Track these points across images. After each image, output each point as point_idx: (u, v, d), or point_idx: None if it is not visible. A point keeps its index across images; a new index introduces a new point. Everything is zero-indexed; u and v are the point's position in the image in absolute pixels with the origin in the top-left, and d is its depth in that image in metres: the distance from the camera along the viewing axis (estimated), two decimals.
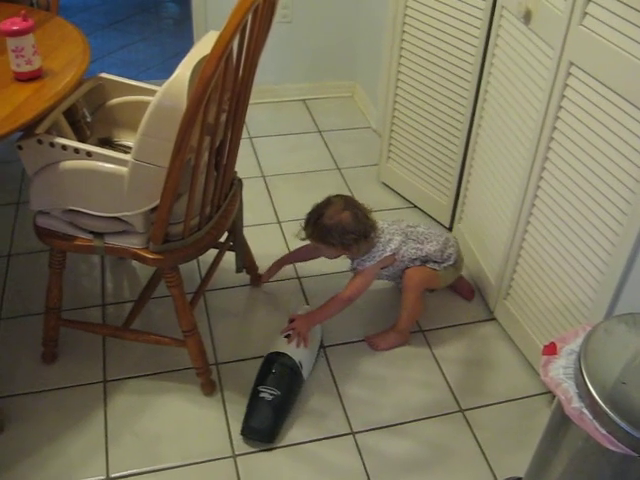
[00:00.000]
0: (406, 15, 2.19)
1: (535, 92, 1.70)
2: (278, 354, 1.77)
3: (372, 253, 1.83)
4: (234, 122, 1.55)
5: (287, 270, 2.18)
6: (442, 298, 2.09)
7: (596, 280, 1.55)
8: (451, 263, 1.93)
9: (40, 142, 1.47)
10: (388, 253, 1.83)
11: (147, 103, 1.39)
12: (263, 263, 2.14)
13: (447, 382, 1.86)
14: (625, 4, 1.34)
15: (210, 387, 1.79)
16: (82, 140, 1.69)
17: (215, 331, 1.98)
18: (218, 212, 1.69)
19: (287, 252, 2.21)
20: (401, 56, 2.28)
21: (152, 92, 1.69)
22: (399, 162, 2.49)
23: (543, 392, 1.83)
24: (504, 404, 1.81)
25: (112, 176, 1.46)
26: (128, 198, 1.48)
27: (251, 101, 1.62)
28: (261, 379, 1.74)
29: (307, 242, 1.88)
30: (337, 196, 1.84)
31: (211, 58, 1.27)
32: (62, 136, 1.53)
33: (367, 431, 1.72)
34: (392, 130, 2.46)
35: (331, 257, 1.90)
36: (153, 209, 1.50)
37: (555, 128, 1.63)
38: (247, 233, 2.02)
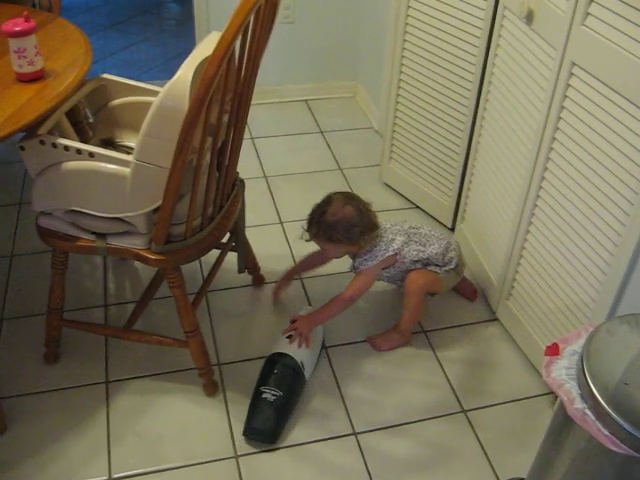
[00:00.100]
0: (408, 16, 2.19)
1: (537, 92, 1.69)
2: (280, 355, 1.77)
3: (374, 252, 1.83)
4: (236, 123, 1.55)
5: None
6: (444, 298, 2.09)
7: (598, 281, 1.55)
8: (452, 267, 1.92)
9: (42, 143, 1.47)
10: (390, 253, 1.83)
11: (149, 104, 1.39)
12: (265, 264, 2.15)
13: (449, 382, 1.86)
14: (627, 4, 1.34)
15: (212, 388, 1.79)
16: (84, 141, 1.69)
17: (217, 332, 1.98)
18: (220, 213, 1.69)
19: (290, 255, 2.22)
20: (403, 57, 2.28)
21: (154, 93, 1.69)
22: (401, 162, 2.49)
23: (545, 393, 1.83)
24: (506, 405, 1.81)
25: (114, 177, 1.46)
26: (130, 199, 1.48)
27: (253, 102, 1.62)
28: (263, 380, 1.74)
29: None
30: (337, 193, 1.84)
31: (213, 59, 1.27)
32: (64, 137, 1.53)
33: (369, 431, 1.72)
34: (394, 130, 2.46)
35: (337, 257, 1.90)
36: (155, 210, 1.51)
37: (557, 129, 1.63)
38: (249, 234, 2.02)
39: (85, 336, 1.88)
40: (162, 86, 1.39)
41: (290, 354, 1.77)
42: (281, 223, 2.41)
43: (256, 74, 1.54)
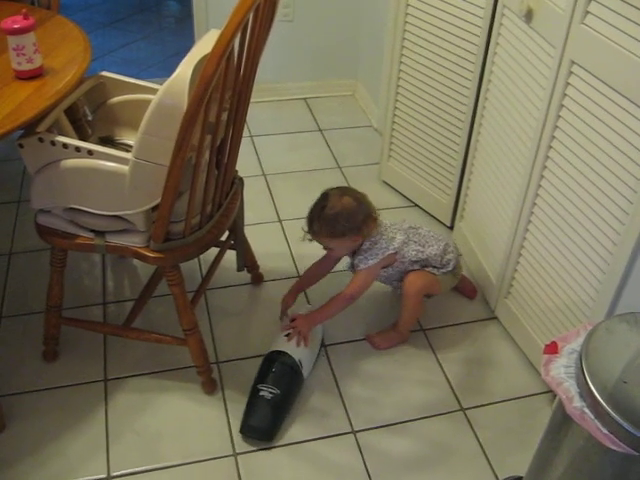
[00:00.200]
0: (407, 14, 2.19)
1: (536, 91, 1.69)
2: (278, 353, 1.77)
3: (375, 250, 1.82)
4: (235, 121, 1.55)
5: (288, 269, 2.19)
6: (443, 297, 2.09)
7: (597, 279, 1.55)
8: (450, 269, 1.92)
9: (41, 140, 1.47)
10: (391, 251, 1.82)
11: (148, 102, 1.39)
12: (264, 262, 2.14)
13: (448, 381, 1.86)
14: (627, 3, 1.34)
15: (211, 386, 1.79)
16: (83, 139, 1.69)
17: (216, 330, 1.98)
18: (219, 211, 1.69)
19: (288, 253, 2.22)
20: (402, 55, 2.28)
21: (153, 91, 1.69)
22: (400, 161, 2.49)
23: (544, 391, 1.83)
24: (505, 403, 1.81)
25: (113, 175, 1.46)
26: (129, 196, 1.48)
27: (252, 100, 1.62)
28: (261, 378, 1.74)
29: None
30: (331, 188, 1.82)
31: (212, 57, 1.26)
32: (63, 134, 1.53)
33: (368, 430, 1.72)
34: (393, 129, 2.46)
35: (342, 255, 1.88)
36: (154, 207, 1.50)
37: (556, 127, 1.63)
38: (248, 232, 2.02)
39: (84, 334, 1.88)
40: (161, 84, 1.38)
41: (288, 352, 1.77)
42: (280, 221, 2.41)
43: (255, 72, 1.54)
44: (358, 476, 1.62)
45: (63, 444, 1.65)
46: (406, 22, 2.21)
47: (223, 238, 1.80)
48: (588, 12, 1.46)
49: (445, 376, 1.88)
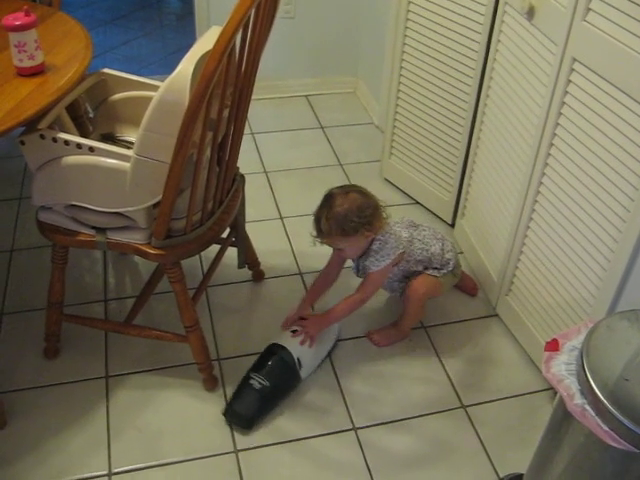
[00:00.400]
0: (409, 11, 2.19)
1: (538, 88, 1.69)
2: (279, 346, 1.77)
3: (386, 250, 1.77)
4: (236, 118, 1.55)
5: (289, 266, 2.19)
6: (444, 294, 2.08)
7: (598, 276, 1.55)
8: (450, 269, 1.91)
9: (42, 137, 1.47)
10: (401, 250, 1.80)
11: (149, 98, 1.39)
12: (265, 259, 2.14)
13: (449, 378, 1.86)
14: (629, 0, 1.34)
15: (212, 382, 1.79)
16: (84, 135, 1.69)
17: (217, 327, 1.98)
18: (220, 208, 1.69)
19: (289, 250, 2.22)
20: (404, 52, 2.28)
21: (154, 87, 1.69)
22: (401, 158, 2.49)
23: (545, 388, 1.83)
24: (506, 400, 1.81)
25: (114, 171, 1.46)
26: (130, 193, 1.48)
27: (253, 97, 1.62)
28: (255, 367, 1.75)
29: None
30: (333, 188, 1.80)
31: (214, 54, 1.26)
32: (64, 131, 1.53)
33: (369, 427, 1.73)
34: (394, 126, 2.46)
35: (353, 255, 1.83)
36: (155, 204, 1.50)
37: (558, 124, 1.62)
38: (249, 229, 2.02)
39: (85, 331, 1.89)
40: (162, 81, 1.38)
41: (288, 348, 1.77)
42: (281, 218, 2.41)
43: (256, 69, 1.54)
44: (359, 473, 1.62)
45: (64, 441, 1.66)
46: (407, 19, 2.20)
47: (224, 235, 1.80)
48: (590, 9, 1.46)
49: (446, 373, 1.88)
